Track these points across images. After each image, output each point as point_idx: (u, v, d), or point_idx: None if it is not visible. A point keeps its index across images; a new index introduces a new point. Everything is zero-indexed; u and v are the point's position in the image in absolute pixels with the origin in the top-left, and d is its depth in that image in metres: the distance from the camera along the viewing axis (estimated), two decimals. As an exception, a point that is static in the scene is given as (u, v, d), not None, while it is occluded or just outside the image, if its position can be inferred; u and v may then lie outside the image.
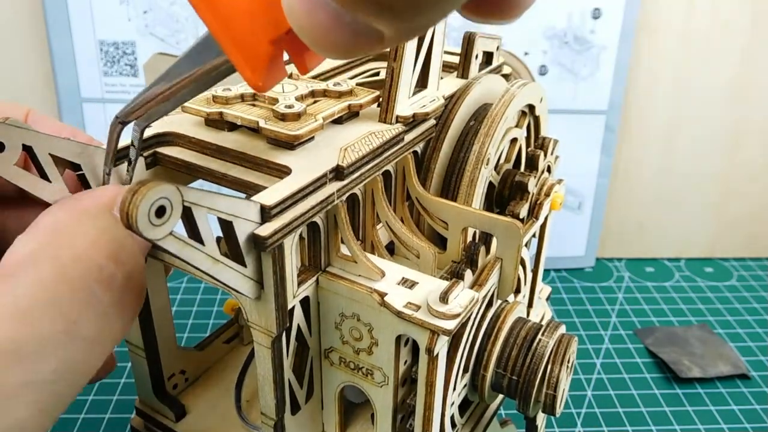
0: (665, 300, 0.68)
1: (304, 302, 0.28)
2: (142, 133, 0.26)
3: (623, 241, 0.75)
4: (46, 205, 0.24)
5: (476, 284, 0.30)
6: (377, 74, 0.40)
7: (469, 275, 0.30)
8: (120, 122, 0.25)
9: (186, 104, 0.29)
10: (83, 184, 0.26)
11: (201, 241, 0.21)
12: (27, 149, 0.24)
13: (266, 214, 0.23)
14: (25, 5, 0.60)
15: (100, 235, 0.22)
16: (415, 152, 0.33)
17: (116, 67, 0.62)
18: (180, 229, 0.20)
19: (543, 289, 0.47)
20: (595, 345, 0.61)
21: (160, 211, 0.19)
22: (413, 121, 0.32)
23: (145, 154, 0.29)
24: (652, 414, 0.53)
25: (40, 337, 0.20)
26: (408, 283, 0.28)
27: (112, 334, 0.22)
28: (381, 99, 0.31)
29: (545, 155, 0.38)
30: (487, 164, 0.34)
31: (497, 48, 0.41)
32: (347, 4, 0.14)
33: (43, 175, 0.25)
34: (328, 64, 0.40)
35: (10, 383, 0.19)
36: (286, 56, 0.21)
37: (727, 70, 0.66)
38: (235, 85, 0.30)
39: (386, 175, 0.32)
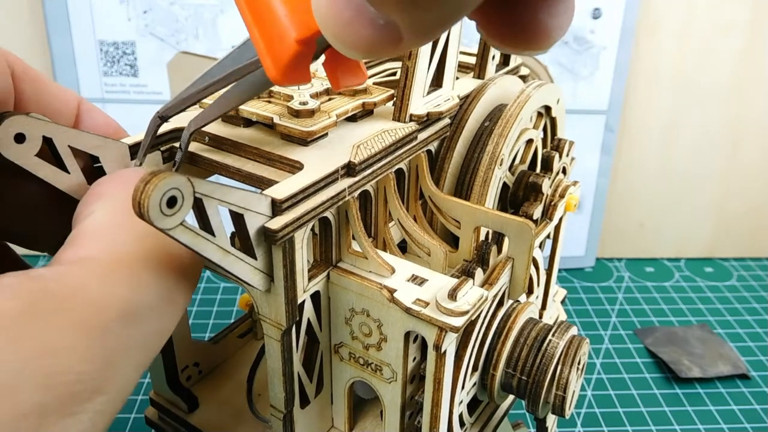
0: (665, 300, 0.68)
1: (315, 297, 0.28)
2: (190, 137, 0.27)
3: (623, 241, 0.75)
4: (49, 187, 0.25)
5: (487, 283, 0.30)
6: (394, 74, 0.41)
7: (480, 274, 0.30)
8: (159, 117, 0.26)
9: (204, 100, 0.30)
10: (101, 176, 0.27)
11: (212, 233, 0.22)
12: (47, 141, 0.25)
13: (277, 207, 0.24)
14: (25, 5, 0.61)
15: None
16: (429, 151, 0.34)
17: (116, 67, 0.62)
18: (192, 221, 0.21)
19: (558, 292, 0.47)
20: (595, 345, 0.61)
21: (171, 202, 0.19)
22: (427, 120, 0.32)
23: (163, 148, 0.29)
24: (652, 414, 0.53)
25: (149, 302, 0.20)
26: (417, 280, 0.28)
27: (189, 298, 0.23)
28: (395, 97, 0.31)
29: (560, 156, 0.38)
30: (500, 165, 0.34)
31: (515, 49, 0.41)
32: None
33: (62, 166, 0.25)
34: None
35: (125, 345, 0.19)
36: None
37: (727, 70, 0.66)
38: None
39: (400, 173, 0.33)
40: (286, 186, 0.25)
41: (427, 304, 0.26)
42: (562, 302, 0.47)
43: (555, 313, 0.45)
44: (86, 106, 0.29)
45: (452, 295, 0.26)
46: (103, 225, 0.22)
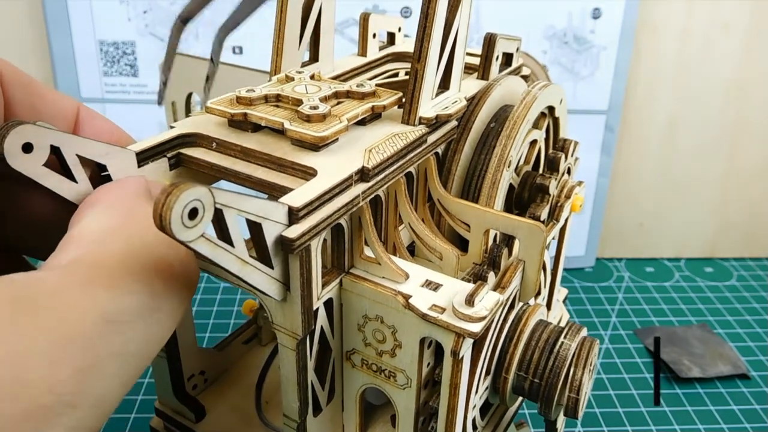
0: (665, 300, 0.69)
1: (327, 304, 0.28)
2: (221, 44, 0.25)
3: (623, 241, 0.75)
4: (62, 198, 0.24)
5: (499, 286, 0.30)
6: (396, 75, 0.40)
7: (491, 277, 0.30)
8: (181, 21, 0.24)
9: (210, 105, 0.29)
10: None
11: (231, 243, 0.21)
12: (55, 150, 0.24)
13: (294, 216, 0.23)
14: (25, 5, 0.60)
15: None
16: (436, 154, 0.33)
17: (116, 67, 0.62)
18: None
19: (560, 292, 0.47)
20: (595, 345, 0.61)
21: (193, 213, 0.19)
22: (436, 123, 0.31)
23: (169, 155, 0.29)
24: (652, 414, 0.53)
25: (131, 308, 0.19)
26: (432, 285, 0.28)
27: (182, 306, 0.22)
28: (404, 100, 0.31)
29: (566, 157, 0.38)
30: (508, 166, 0.34)
31: (517, 49, 0.40)
32: None
33: (69, 175, 0.25)
34: (348, 65, 0.40)
35: (103, 354, 0.18)
36: None
37: (727, 70, 0.67)
38: (259, 86, 0.30)
39: (408, 176, 0.32)
40: (302, 193, 0.24)
41: (444, 309, 0.26)
42: (564, 301, 0.47)
43: (559, 313, 0.45)
44: (87, 114, 0.29)
45: (470, 300, 0.26)
46: (92, 229, 0.21)
